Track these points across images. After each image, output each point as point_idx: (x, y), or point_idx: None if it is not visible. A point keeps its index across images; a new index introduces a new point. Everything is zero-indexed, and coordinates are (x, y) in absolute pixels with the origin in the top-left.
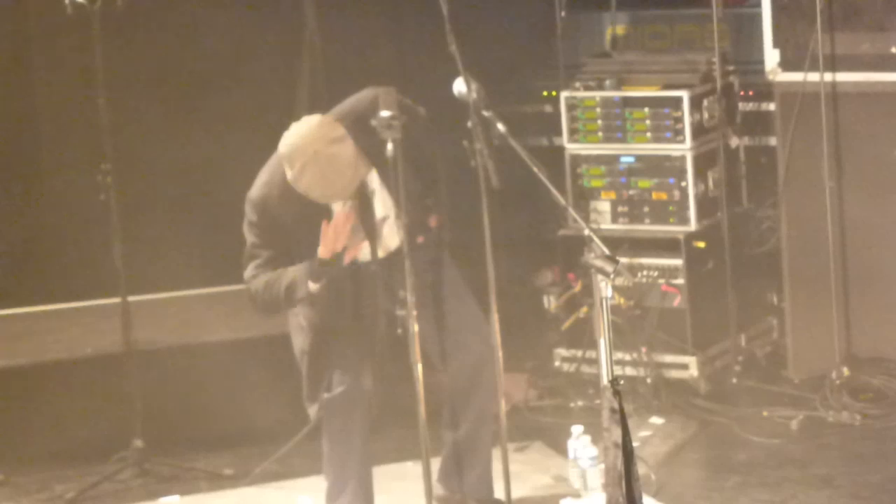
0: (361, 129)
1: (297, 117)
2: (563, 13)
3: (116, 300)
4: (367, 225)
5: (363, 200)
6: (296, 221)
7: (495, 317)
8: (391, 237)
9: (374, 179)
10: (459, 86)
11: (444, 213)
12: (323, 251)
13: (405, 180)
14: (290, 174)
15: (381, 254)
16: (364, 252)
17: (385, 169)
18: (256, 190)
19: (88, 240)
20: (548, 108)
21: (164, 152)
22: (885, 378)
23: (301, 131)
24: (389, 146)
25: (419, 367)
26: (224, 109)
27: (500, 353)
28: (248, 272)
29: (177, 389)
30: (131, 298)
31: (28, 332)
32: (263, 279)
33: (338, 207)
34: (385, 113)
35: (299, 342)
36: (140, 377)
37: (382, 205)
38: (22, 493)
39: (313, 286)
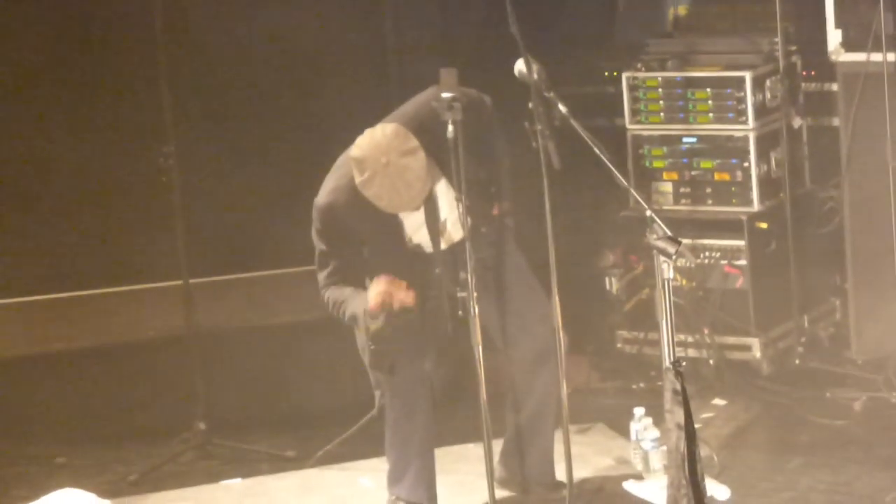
0: (428, 134)
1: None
2: None
3: (179, 282)
4: (432, 229)
5: (429, 206)
6: (363, 227)
7: (557, 299)
8: (455, 230)
9: (440, 185)
10: (521, 66)
11: (508, 202)
12: (372, 305)
13: (468, 170)
14: (358, 179)
15: (444, 246)
16: (427, 242)
17: (449, 165)
18: (324, 196)
19: (150, 222)
20: (610, 89)
21: (225, 134)
22: None
23: (376, 139)
24: (450, 128)
25: (479, 348)
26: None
27: (563, 336)
28: (321, 280)
29: (239, 371)
30: (193, 281)
31: (91, 315)
32: (332, 297)
33: (405, 216)
34: (446, 94)
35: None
36: (202, 359)
37: (448, 205)
38: (83, 476)
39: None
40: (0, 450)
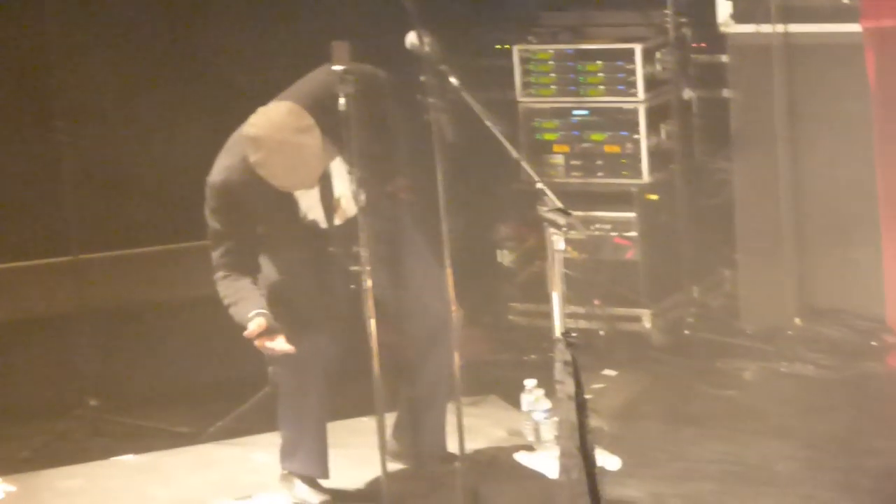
0: (323, 110)
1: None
2: None
3: (69, 258)
4: (326, 206)
5: (324, 183)
6: (257, 206)
7: (449, 272)
8: (350, 206)
9: (336, 162)
10: (413, 39)
11: (404, 176)
12: (247, 334)
13: (363, 145)
14: (253, 158)
15: (338, 221)
16: (322, 218)
17: (343, 139)
18: (217, 174)
19: (40, 197)
20: (501, 62)
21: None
22: (840, 329)
23: (270, 118)
24: (342, 101)
25: (372, 322)
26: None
27: (456, 309)
28: (214, 259)
29: (132, 347)
30: (83, 256)
31: None
32: (223, 289)
33: (300, 193)
34: (338, 67)
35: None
36: (95, 335)
37: (343, 181)
38: None
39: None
40: None
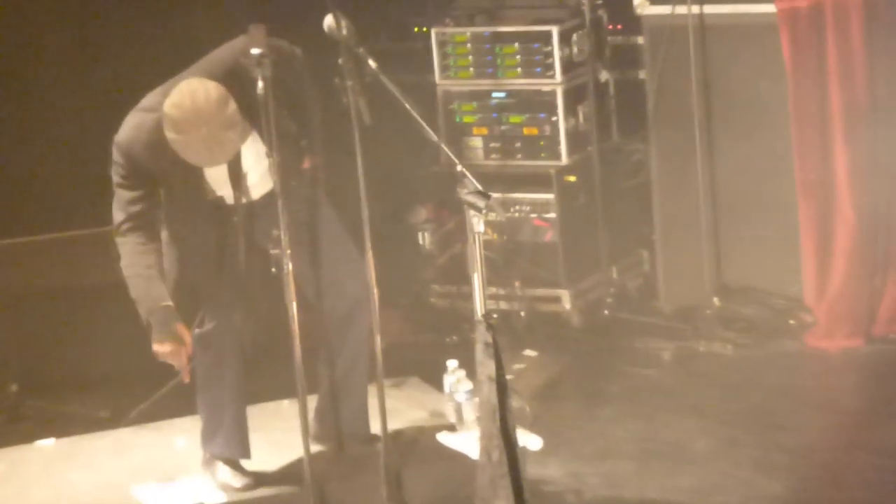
0: (238, 86)
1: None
2: None
3: None
4: (234, 182)
5: (233, 160)
6: (163, 171)
7: (370, 254)
8: (264, 182)
9: (249, 138)
10: (330, 22)
11: (319, 155)
12: (154, 347)
13: (279, 123)
14: (170, 136)
15: (255, 196)
16: (228, 194)
17: (259, 118)
18: (124, 133)
19: None
20: (419, 45)
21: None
22: (756, 308)
23: (197, 105)
24: (260, 84)
25: (294, 305)
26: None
27: (376, 291)
28: (116, 221)
29: (52, 333)
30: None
31: None
32: (126, 257)
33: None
34: (255, 50)
35: (171, 280)
36: (14, 321)
37: (254, 157)
38: None
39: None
40: None
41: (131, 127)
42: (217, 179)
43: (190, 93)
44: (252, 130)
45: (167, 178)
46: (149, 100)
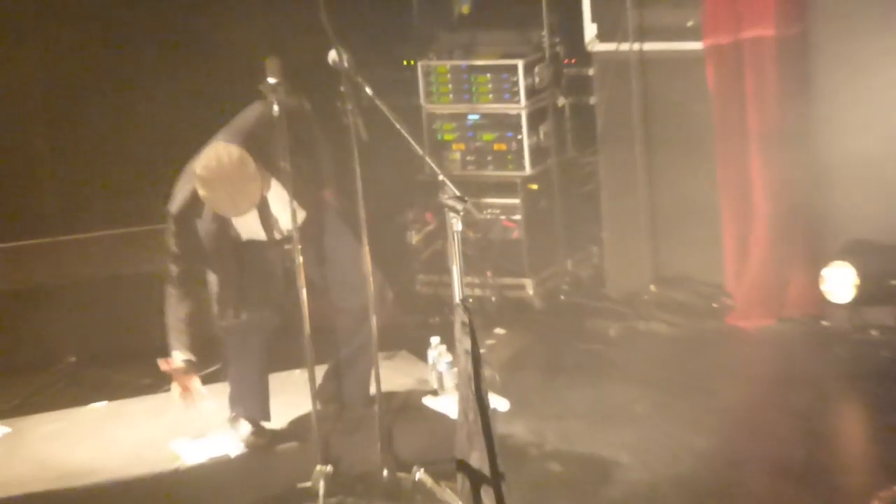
0: (260, 145)
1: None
2: None
3: (49, 239)
4: (265, 222)
5: (262, 206)
6: (212, 238)
7: (367, 249)
8: (286, 224)
9: (273, 187)
10: (333, 56)
11: (332, 186)
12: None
13: (297, 165)
14: (202, 193)
15: (277, 236)
16: (261, 233)
17: (279, 169)
18: (175, 205)
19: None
20: (407, 74)
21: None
22: (686, 293)
23: (222, 164)
24: (275, 108)
25: (304, 291)
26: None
27: (372, 280)
28: (168, 277)
29: (104, 314)
30: (62, 238)
31: None
32: (168, 308)
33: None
34: (271, 80)
35: (212, 284)
36: (72, 304)
37: (280, 201)
38: None
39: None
40: None
41: (179, 199)
42: (248, 225)
43: (215, 155)
44: (272, 178)
45: (207, 231)
46: (188, 171)
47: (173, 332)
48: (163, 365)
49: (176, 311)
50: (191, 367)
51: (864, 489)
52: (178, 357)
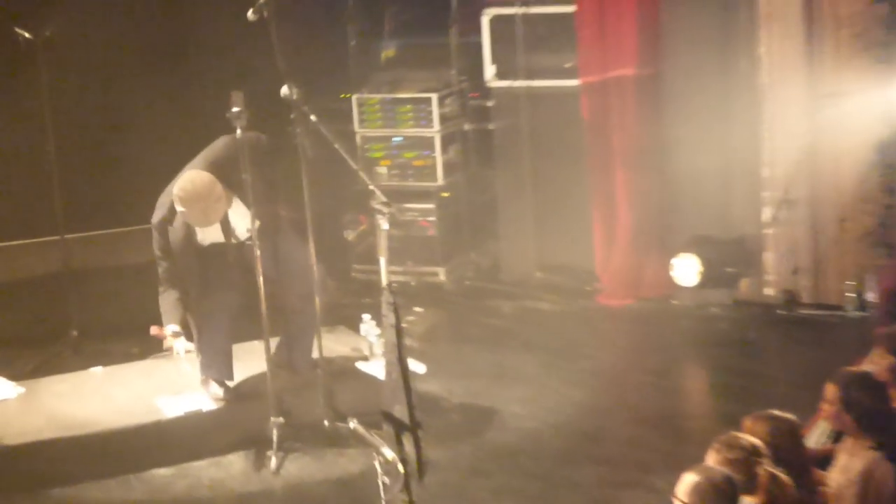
0: (225, 172)
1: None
2: (353, 42)
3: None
4: (225, 231)
5: (224, 220)
6: (180, 243)
7: (312, 246)
8: (242, 233)
9: (234, 204)
10: (285, 90)
11: (282, 202)
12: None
13: (256, 188)
14: (179, 209)
15: (242, 238)
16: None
17: (241, 194)
18: (156, 217)
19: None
20: (345, 106)
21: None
22: (565, 278)
23: (196, 188)
24: (238, 131)
25: (261, 279)
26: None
27: (316, 270)
28: (159, 272)
29: (101, 297)
30: (69, 235)
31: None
32: (161, 300)
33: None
34: (235, 109)
35: (194, 285)
36: (76, 288)
37: (240, 212)
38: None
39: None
40: None
41: (160, 215)
42: (210, 233)
43: (191, 180)
44: (234, 198)
45: (180, 238)
46: (168, 192)
47: (165, 313)
48: (153, 330)
49: (165, 299)
50: (177, 335)
51: (705, 434)
52: (171, 328)
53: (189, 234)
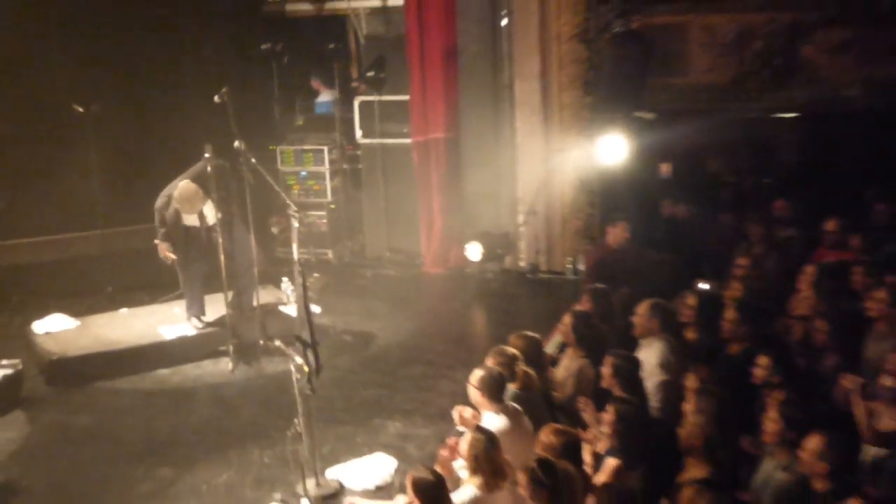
0: (203, 183)
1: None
2: (278, 116)
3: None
4: (200, 219)
5: (200, 212)
6: (172, 222)
7: (252, 235)
8: (210, 220)
9: (207, 203)
10: (237, 143)
11: (236, 205)
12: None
13: (219, 194)
14: (176, 205)
15: (210, 223)
16: (197, 224)
17: (212, 197)
18: (160, 201)
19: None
20: (272, 153)
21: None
22: (404, 255)
23: (189, 192)
24: (209, 170)
25: (222, 255)
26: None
27: (255, 252)
28: (159, 235)
29: (128, 265)
30: (107, 230)
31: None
32: (159, 241)
33: (189, 215)
34: (206, 154)
35: (181, 252)
36: (112, 257)
37: (211, 208)
38: (60, 308)
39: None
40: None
41: (163, 200)
42: (191, 219)
43: (185, 187)
44: (208, 199)
45: (172, 219)
46: (170, 187)
47: (161, 244)
48: (162, 252)
49: (162, 244)
50: (168, 252)
51: (486, 347)
52: (166, 248)
53: (177, 218)
